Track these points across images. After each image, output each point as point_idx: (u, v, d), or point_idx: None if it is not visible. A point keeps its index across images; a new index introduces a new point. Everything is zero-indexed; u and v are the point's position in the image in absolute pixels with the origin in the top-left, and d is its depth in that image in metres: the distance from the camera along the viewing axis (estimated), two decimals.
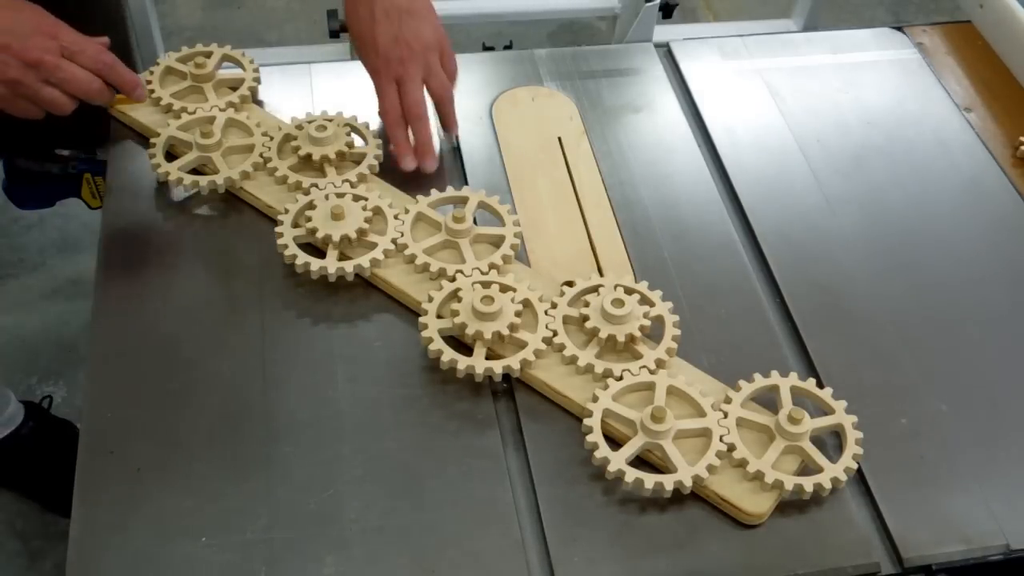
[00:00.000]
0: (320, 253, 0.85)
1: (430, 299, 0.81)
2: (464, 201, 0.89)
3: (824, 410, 0.76)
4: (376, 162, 0.93)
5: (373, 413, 0.77)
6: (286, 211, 0.87)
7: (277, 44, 1.40)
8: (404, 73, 0.89)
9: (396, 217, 0.87)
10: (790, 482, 0.71)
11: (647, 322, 0.80)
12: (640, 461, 0.74)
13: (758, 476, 0.71)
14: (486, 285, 0.81)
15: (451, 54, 0.94)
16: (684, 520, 0.71)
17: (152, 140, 0.93)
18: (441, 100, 0.95)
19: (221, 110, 0.96)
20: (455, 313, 0.79)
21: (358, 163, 0.93)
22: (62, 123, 1.13)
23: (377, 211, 0.88)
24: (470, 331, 0.78)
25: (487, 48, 1.26)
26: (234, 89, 0.99)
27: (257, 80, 1.00)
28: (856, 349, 0.83)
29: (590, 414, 0.74)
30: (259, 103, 1.00)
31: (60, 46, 0.76)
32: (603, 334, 0.79)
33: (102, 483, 0.72)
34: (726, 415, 0.74)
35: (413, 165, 0.88)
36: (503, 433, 0.76)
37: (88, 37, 0.79)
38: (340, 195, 0.88)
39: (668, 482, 0.70)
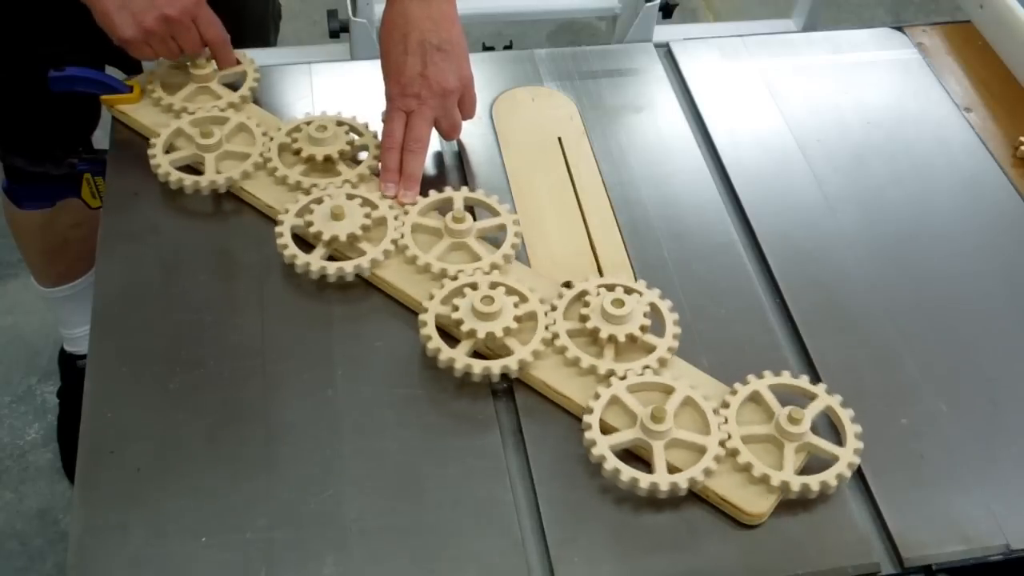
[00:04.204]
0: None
1: (431, 297, 0.81)
2: (451, 201, 0.89)
3: (808, 398, 0.76)
4: (376, 162, 0.93)
5: (373, 413, 0.77)
6: (286, 211, 0.87)
7: (277, 44, 1.40)
8: (416, 109, 0.91)
9: (396, 218, 0.87)
10: (815, 482, 0.71)
11: (647, 322, 0.80)
12: (639, 460, 0.74)
13: (776, 483, 0.71)
14: (486, 285, 0.81)
15: (472, 98, 0.95)
16: (684, 520, 0.71)
17: (152, 140, 0.93)
18: (447, 139, 0.97)
19: (221, 110, 0.96)
20: (455, 313, 0.79)
21: (358, 163, 0.93)
22: (57, 121, 1.14)
23: (377, 211, 0.88)
24: (470, 330, 0.78)
25: (487, 48, 1.26)
26: (234, 89, 0.99)
27: (257, 80, 1.00)
28: (856, 349, 0.83)
29: (598, 397, 0.74)
30: (259, 103, 1.00)
31: (196, 14, 0.95)
32: (603, 334, 0.79)
33: (102, 483, 0.72)
34: (730, 436, 0.74)
35: (393, 193, 0.90)
36: (503, 433, 0.76)
37: (217, 18, 0.97)
38: (341, 196, 0.88)
39: (644, 480, 0.70)
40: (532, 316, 0.80)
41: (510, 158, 0.98)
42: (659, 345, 0.79)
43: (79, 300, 1.42)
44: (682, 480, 0.70)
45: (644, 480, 0.70)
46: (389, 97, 0.93)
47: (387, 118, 0.93)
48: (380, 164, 0.91)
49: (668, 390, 0.76)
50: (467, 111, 0.96)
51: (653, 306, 0.81)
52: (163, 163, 0.91)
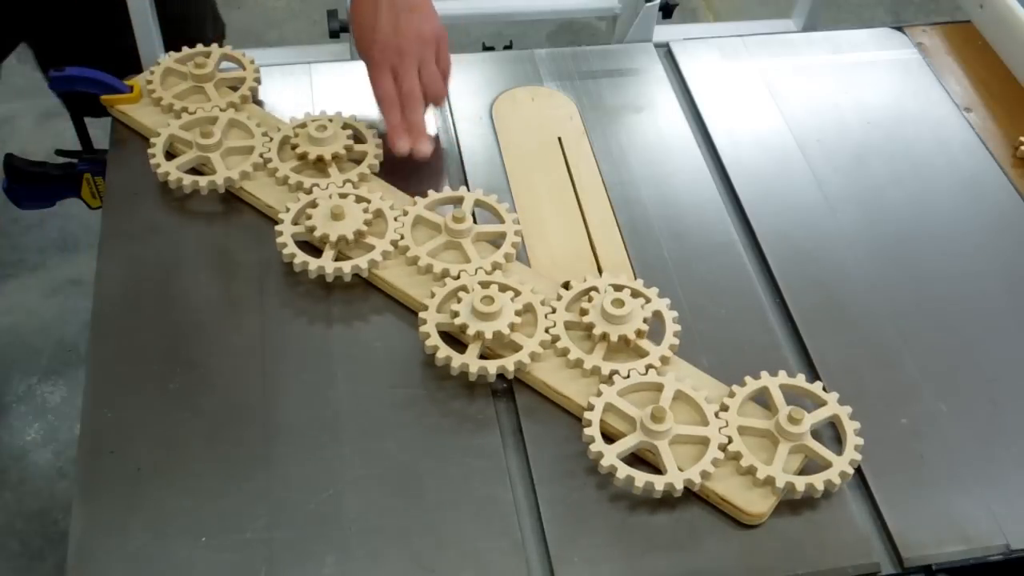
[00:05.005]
0: (320, 253, 0.85)
1: (432, 295, 0.81)
2: (461, 201, 0.89)
3: (817, 404, 0.76)
4: (376, 162, 0.93)
5: (373, 413, 0.77)
6: (287, 210, 0.87)
7: (277, 44, 1.40)
8: (400, 63, 0.92)
9: (396, 219, 0.87)
10: (801, 483, 0.71)
11: (644, 327, 0.79)
12: (639, 460, 0.74)
13: (769, 482, 0.71)
14: (486, 285, 0.81)
15: (447, 51, 0.96)
16: (684, 520, 0.71)
17: (152, 140, 0.93)
18: (429, 92, 0.95)
19: (221, 110, 0.96)
20: (455, 313, 0.79)
21: (358, 163, 0.93)
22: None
23: (377, 212, 0.88)
24: (470, 331, 0.78)
25: (487, 48, 1.26)
26: (234, 89, 0.99)
27: (257, 80, 1.00)
28: (856, 349, 0.83)
29: (592, 408, 0.74)
30: (259, 103, 1.00)
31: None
32: (603, 334, 0.79)
33: (102, 483, 0.72)
34: (727, 423, 0.74)
35: (407, 147, 0.89)
36: (503, 433, 0.76)
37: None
38: (341, 195, 0.88)
39: (659, 482, 0.70)
40: (532, 317, 0.80)
41: (510, 158, 0.98)
42: (660, 344, 0.79)
43: None
44: (694, 475, 0.71)
45: (659, 482, 0.70)
46: (371, 60, 0.93)
47: (373, 80, 0.93)
48: (385, 123, 0.91)
49: (658, 387, 0.76)
50: (443, 66, 0.96)
51: (649, 302, 0.81)
52: (163, 163, 0.91)
